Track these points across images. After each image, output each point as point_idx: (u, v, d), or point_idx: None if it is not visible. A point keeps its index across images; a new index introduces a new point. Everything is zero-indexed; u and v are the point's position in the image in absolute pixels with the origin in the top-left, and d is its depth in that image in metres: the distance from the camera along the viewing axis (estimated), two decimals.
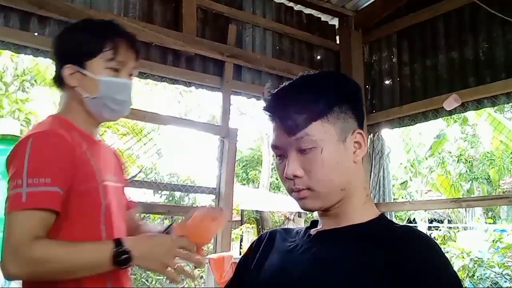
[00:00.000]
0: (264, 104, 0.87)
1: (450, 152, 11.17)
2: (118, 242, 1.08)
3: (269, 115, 0.87)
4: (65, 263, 1.05)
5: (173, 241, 1.13)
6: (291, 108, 0.84)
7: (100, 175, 1.19)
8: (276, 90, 0.88)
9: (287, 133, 0.84)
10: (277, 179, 10.80)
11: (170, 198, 6.72)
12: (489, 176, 10.86)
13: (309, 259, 0.84)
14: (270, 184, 12.49)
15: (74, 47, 1.22)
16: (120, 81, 1.22)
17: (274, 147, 0.88)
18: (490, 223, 9.75)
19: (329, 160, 0.83)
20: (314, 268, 0.82)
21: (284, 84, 0.89)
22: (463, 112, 3.19)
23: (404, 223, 10.38)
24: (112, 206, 1.21)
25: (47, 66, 6.48)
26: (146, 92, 8.12)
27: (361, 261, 0.78)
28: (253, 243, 1.02)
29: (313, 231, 0.92)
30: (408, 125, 3.37)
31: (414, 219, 10.80)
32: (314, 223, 0.95)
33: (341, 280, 0.78)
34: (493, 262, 5.68)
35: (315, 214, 0.92)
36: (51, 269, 1.05)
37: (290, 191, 0.87)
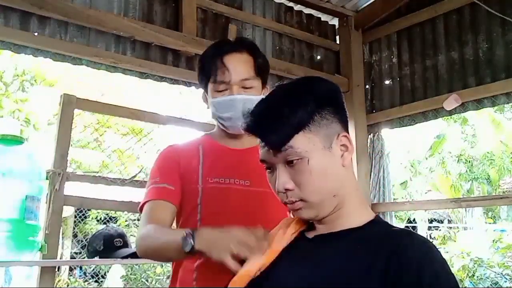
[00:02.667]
0: (244, 124, 0.86)
1: (450, 152, 11.17)
2: (192, 230, 1.05)
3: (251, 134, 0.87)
4: (151, 240, 1.20)
5: (238, 230, 0.97)
6: (271, 125, 0.83)
7: (207, 179, 1.33)
8: (253, 108, 0.87)
9: (271, 150, 0.84)
10: None
11: None
12: (489, 176, 10.86)
13: (307, 265, 0.84)
14: None
15: (199, 77, 1.43)
16: (219, 100, 1.34)
17: (262, 161, 0.88)
18: (490, 223, 9.77)
19: (317, 170, 0.82)
20: (312, 274, 0.82)
21: (260, 100, 0.88)
22: (463, 112, 3.18)
23: (404, 223, 10.42)
24: (219, 206, 1.31)
25: (47, 66, 6.48)
26: (146, 92, 8.11)
27: (359, 267, 0.77)
28: None
29: (309, 235, 0.91)
30: (408, 125, 3.35)
31: (414, 219, 10.79)
32: (310, 224, 0.94)
33: (340, 286, 0.77)
34: (493, 262, 5.69)
35: None
36: (144, 246, 1.22)
37: (285, 204, 0.87)
